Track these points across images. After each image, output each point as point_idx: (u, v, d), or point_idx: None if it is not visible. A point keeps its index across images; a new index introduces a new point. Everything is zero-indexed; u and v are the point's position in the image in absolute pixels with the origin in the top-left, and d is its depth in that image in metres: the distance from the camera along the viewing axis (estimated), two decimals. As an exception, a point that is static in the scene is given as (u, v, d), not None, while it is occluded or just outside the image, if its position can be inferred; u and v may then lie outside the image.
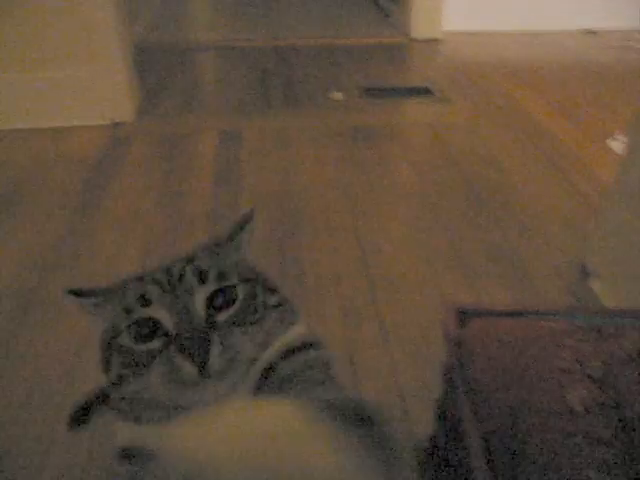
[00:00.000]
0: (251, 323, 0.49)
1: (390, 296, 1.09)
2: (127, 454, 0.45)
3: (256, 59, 2.42)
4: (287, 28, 2.84)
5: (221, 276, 0.49)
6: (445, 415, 0.63)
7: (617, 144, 1.60)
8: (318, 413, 0.39)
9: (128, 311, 0.48)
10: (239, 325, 0.48)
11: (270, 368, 0.48)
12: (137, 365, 0.46)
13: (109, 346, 0.49)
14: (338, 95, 1.99)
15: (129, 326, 0.47)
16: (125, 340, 0.47)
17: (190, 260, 0.51)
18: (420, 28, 2.61)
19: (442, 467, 0.63)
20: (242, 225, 0.56)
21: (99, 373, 0.51)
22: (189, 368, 0.44)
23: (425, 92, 2.03)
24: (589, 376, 0.49)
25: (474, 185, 1.47)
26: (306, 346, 0.51)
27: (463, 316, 0.61)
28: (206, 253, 0.53)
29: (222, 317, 0.47)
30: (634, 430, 0.45)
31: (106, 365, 0.50)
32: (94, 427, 0.53)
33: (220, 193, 1.44)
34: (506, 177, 1.50)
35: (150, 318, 0.47)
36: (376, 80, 2.16)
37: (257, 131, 1.76)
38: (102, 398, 0.52)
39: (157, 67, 2.33)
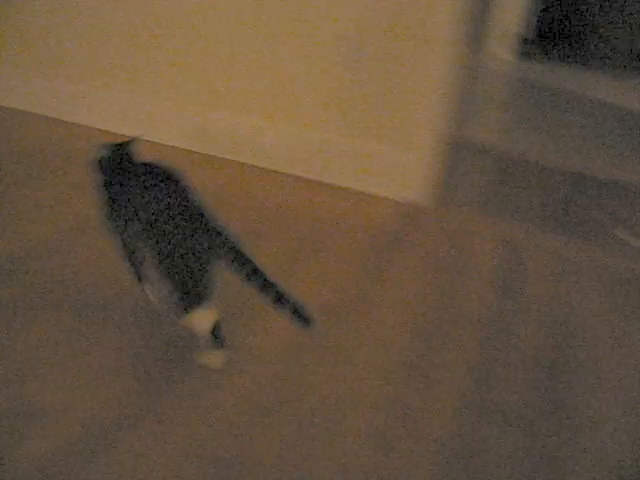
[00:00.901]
0: None
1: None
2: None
3: (547, 175, 2.34)
4: (581, 152, 2.69)
5: None
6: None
7: None
8: None
9: None
10: None
11: None
12: None
13: None
14: (629, 236, 1.82)
15: None
16: None
17: None
18: None
19: None
20: None
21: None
22: None
23: None
24: None
25: None
26: None
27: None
28: None
29: None
30: None
31: None
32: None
33: (498, 304, 1.41)
34: None
35: None
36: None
37: (535, 249, 1.69)
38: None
39: (459, 162, 2.38)
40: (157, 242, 1.00)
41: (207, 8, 2.05)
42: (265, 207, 1.81)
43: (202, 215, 1.01)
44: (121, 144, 1.14)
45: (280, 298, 0.99)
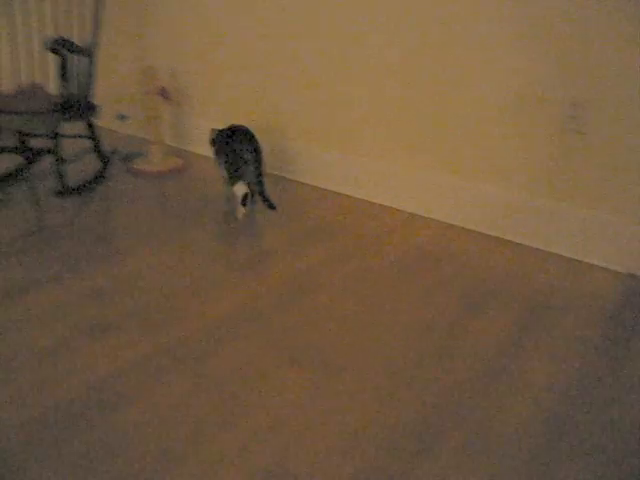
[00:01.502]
0: None
1: None
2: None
3: None
4: None
5: None
6: None
7: None
8: None
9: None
10: None
11: None
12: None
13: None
14: None
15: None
16: None
17: None
18: None
19: None
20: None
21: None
22: None
23: None
24: None
25: None
26: None
27: None
28: None
29: None
30: None
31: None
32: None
33: None
34: None
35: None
36: None
37: None
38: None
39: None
40: (227, 156, 2.16)
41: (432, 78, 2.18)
42: (481, 272, 1.78)
43: (252, 147, 2.11)
44: (222, 129, 2.27)
45: (263, 192, 2.10)
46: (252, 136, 2.16)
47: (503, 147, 1.94)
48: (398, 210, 2.25)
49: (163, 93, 2.63)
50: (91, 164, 2.77)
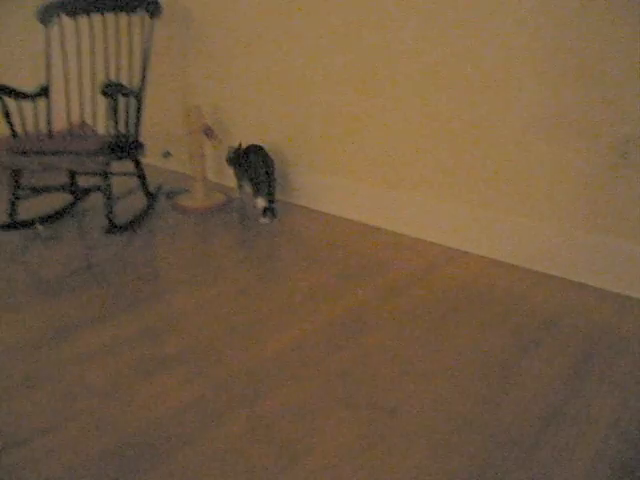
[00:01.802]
0: None
1: None
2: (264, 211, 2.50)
3: None
4: None
5: None
6: None
7: None
8: None
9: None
10: None
11: None
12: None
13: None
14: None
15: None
16: None
17: None
18: None
19: None
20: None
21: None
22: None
23: None
24: None
25: None
26: None
27: None
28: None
29: None
30: None
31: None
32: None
33: None
34: None
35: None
36: None
37: None
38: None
39: None
40: (247, 170, 2.57)
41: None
42: (532, 309, 1.72)
43: (265, 162, 2.48)
44: (238, 147, 2.65)
45: (272, 201, 2.48)
46: (263, 155, 2.51)
47: (551, 181, 1.91)
48: (439, 245, 2.23)
49: (207, 132, 2.68)
50: (138, 201, 2.84)
